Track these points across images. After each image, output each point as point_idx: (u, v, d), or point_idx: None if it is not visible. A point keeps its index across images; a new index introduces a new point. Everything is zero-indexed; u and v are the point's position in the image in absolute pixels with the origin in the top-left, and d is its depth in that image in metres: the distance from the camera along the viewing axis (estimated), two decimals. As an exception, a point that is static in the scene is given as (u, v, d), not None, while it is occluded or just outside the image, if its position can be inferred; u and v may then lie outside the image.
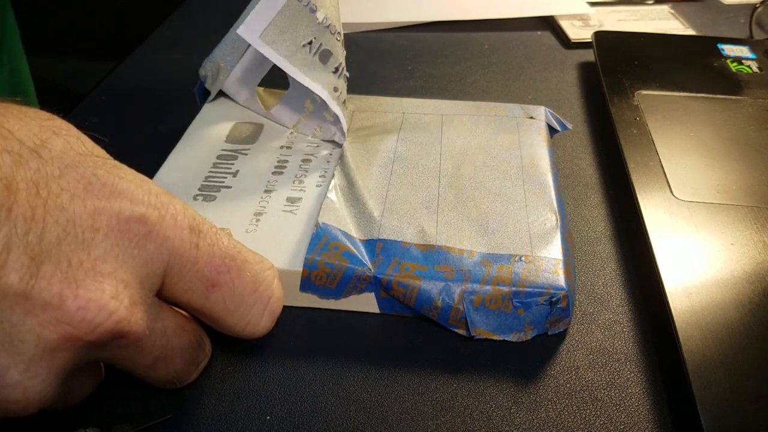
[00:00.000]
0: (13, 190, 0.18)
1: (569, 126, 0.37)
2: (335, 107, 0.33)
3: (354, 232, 0.28)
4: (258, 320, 0.24)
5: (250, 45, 0.34)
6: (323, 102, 0.33)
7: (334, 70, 0.33)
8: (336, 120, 0.34)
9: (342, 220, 0.29)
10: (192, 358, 0.24)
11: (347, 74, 0.34)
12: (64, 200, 0.19)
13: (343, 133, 0.34)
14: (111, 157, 0.22)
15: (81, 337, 0.19)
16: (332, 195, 0.30)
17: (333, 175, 0.31)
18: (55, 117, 0.21)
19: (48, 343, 0.18)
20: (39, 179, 0.19)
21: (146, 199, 0.21)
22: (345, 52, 0.34)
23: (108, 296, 0.19)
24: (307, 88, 0.32)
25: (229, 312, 0.23)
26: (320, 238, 0.27)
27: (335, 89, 0.33)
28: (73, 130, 0.21)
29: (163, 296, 0.22)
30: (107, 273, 0.19)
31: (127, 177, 0.21)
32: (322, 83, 0.32)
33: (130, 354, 0.21)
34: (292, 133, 0.35)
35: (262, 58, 0.35)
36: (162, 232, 0.21)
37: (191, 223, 0.22)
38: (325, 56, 0.32)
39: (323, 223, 0.28)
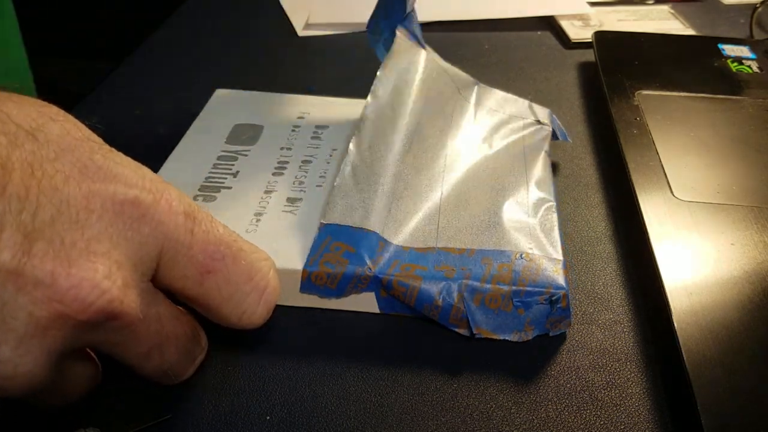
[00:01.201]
0: (8, 170, 0.18)
1: (569, 140, 0.37)
2: None
3: (359, 222, 0.28)
4: (254, 309, 0.24)
5: None
6: None
7: None
8: None
9: (349, 207, 0.28)
10: (187, 349, 0.24)
11: None
12: (59, 181, 0.19)
13: None
14: (106, 144, 0.22)
15: (73, 316, 0.19)
16: (347, 169, 0.30)
17: (348, 146, 0.31)
18: (52, 105, 0.21)
19: (39, 320, 0.18)
20: (34, 161, 0.19)
21: (141, 183, 0.21)
22: None
23: (101, 276, 0.19)
24: None
25: (224, 300, 0.23)
26: (323, 240, 0.27)
27: None
28: (70, 117, 0.21)
29: (158, 283, 0.22)
30: (101, 253, 0.19)
31: (123, 162, 0.21)
32: None
33: (124, 339, 0.21)
34: (293, 131, 0.35)
35: None
36: (156, 216, 0.21)
37: (186, 210, 0.22)
38: None
39: (326, 224, 0.28)
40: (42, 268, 0.18)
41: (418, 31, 0.36)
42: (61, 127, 0.20)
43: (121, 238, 0.20)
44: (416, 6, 0.37)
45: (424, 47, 0.36)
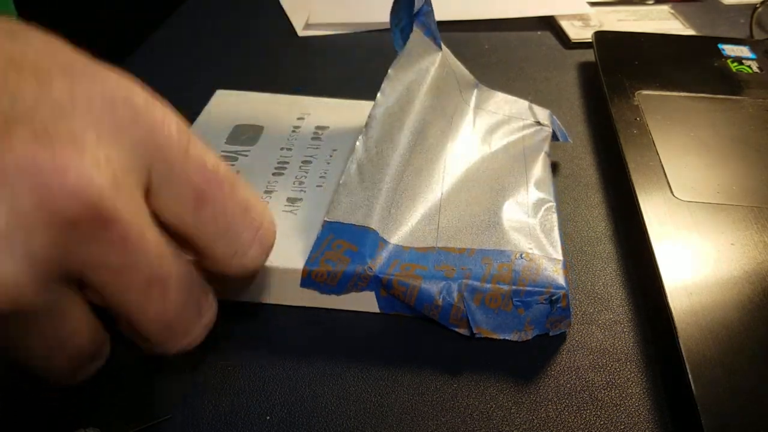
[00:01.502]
0: None
1: (569, 140, 0.37)
2: None
3: (362, 220, 0.28)
4: (246, 250, 0.22)
5: None
6: None
7: None
8: None
9: (353, 205, 0.28)
10: (193, 298, 0.21)
11: None
12: (41, 74, 0.18)
13: None
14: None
15: (58, 210, 0.17)
16: (353, 167, 0.30)
17: (356, 144, 0.30)
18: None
19: (21, 213, 0.16)
20: (13, 56, 0.18)
21: (132, 87, 0.19)
22: None
23: (88, 164, 0.17)
24: None
25: (219, 234, 0.21)
26: (325, 237, 0.27)
27: None
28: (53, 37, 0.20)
29: (151, 207, 0.20)
30: (88, 142, 0.17)
31: (112, 68, 0.20)
32: None
33: (122, 262, 0.18)
34: (293, 131, 0.35)
35: None
36: (149, 123, 0.19)
37: (180, 127, 0.20)
38: None
39: (329, 222, 0.28)
40: (23, 153, 0.16)
41: (434, 25, 0.36)
42: (45, 36, 0.19)
43: (110, 137, 0.18)
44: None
45: (439, 45, 0.36)
